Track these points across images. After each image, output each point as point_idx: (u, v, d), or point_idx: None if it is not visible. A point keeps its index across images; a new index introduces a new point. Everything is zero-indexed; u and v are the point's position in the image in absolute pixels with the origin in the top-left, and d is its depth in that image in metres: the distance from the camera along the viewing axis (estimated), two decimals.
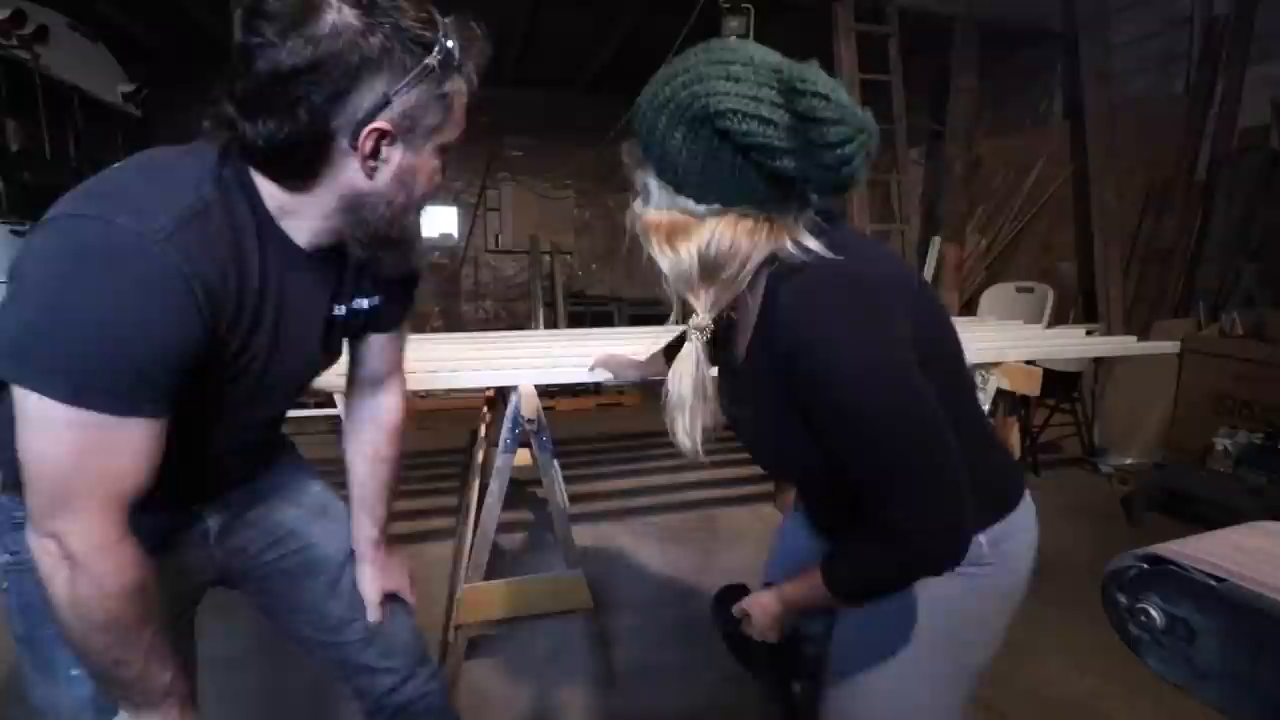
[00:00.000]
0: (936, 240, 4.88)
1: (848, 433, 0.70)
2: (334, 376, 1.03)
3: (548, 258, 6.67)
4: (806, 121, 0.62)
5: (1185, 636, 0.80)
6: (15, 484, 0.70)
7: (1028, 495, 0.88)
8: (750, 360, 0.80)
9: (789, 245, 0.71)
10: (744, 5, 3.75)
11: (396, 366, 1.05)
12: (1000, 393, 2.06)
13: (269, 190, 0.72)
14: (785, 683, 0.87)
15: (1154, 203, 4.07)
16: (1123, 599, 0.86)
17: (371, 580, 1.06)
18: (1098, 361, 3.66)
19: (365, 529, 1.06)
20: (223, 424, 0.83)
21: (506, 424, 1.60)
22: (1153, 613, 0.82)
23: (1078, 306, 4.46)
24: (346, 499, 1.08)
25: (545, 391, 4.54)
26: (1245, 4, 3.70)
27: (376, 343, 1.00)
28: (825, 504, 0.92)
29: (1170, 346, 2.54)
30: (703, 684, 1.85)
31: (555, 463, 1.70)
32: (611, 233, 7.48)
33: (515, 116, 6.88)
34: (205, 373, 0.71)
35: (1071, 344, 2.45)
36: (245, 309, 0.73)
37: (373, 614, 1.05)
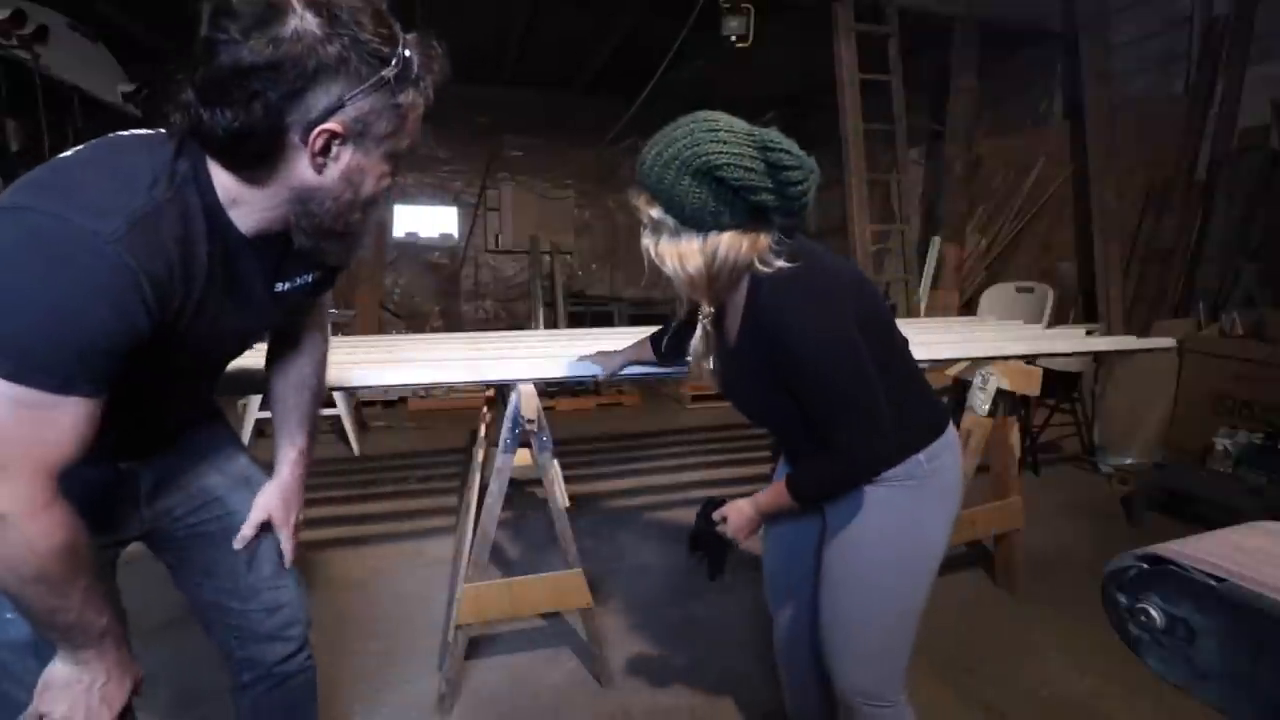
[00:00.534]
0: (936, 240, 4.88)
1: (809, 384, 1.02)
2: (337, 373, 1.02)
3: (547, 258, 6.68)
4: (776, 169, 0.92)
5: (1185, 636, 0.80)
6: None
7: (951, 424, 1.19)
8: (740, 342, 1.11)
9: (767, 253, 1.01)
10: (744, 5, 3.74)
11: (322, 314, 1.16)
12: (1000, 392, 2.06)
13: (222, 180, 0.77)
14: (719, 561, 1.32)
15: (1154, 203, 4.07)
16: (1122, 599, 0.86)
17: (265, 496, 1.09)
18: (1098, 361, 3.66)
19: (284, 450, 1.13)
20: (161, 390, 0.89)
21: (506, 424, 1.60)
22: (1153, 613, 0.82)
23: (1078, 306, 4.46)
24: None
25: (545, 391, 4.55)
26: (1245, 4, 3.71)
27: (307, 302, 1.06)
28: (795, 440, 1.23)
29: (1167, 341, 2.54)
30: (703, 684, 1.85)
31: (555, 463, 1.70)
32: (611, 233, 7.48)
33: (515, 116, 6.89)
34: (148, 352, 0.74)
35: (1071, 343, 2.45)
36: (191, 297, 0.78)
37: (247, 528, 1.07)
